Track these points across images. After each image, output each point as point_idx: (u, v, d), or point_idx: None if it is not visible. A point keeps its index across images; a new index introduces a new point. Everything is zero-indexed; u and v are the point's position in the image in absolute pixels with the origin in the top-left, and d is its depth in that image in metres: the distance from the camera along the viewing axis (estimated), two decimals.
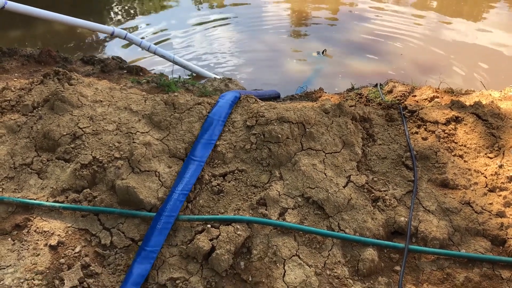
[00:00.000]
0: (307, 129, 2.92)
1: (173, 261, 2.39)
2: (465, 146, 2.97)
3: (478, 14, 7.34)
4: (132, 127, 2.97)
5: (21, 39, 6.10)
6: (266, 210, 2.55)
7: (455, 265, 2.41)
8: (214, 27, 6.75)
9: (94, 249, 2.45)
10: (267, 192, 2.61)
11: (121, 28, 4.81)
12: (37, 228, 2.53)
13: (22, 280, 2.29)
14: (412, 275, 2.39)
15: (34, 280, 2.30)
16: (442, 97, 3.90)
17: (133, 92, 3.39)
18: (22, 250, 2.44)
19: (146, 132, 2.95)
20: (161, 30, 6.63)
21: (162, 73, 4.70)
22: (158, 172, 2.73)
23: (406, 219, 2.54)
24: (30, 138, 2.98)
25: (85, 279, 2.30)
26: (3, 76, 4.09)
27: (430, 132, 3.08)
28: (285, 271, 2.31)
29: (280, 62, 5.76)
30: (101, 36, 6.34)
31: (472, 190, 2.73)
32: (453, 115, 3.14)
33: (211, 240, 2.39)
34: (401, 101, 4.04)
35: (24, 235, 2.51)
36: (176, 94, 3.22)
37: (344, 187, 2.69)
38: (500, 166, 2.77)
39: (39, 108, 3.15)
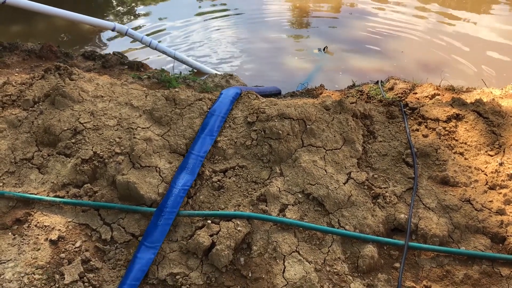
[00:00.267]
0: (307, 126, 2.92)
1: (173, 256, 2.39)
2: (465, 143, 2.97)
3: (480, 11, 7.32)
4: (133, 122, 2.97)
5: (22, 34, 6.09)
6: (266, 206, 2.55)
7: (454, 262, 2.41)
8: (214, 24, 6.73)
9: (94, 244, 2.46)
10: (268, 188, 2.61)
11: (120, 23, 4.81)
12: (38, 222, 2.54)
13: (22, 275, 2.30)
14: (411, 272, 2.39)
15: (34, 274, 2.30)
16: (443, 95, 3.90)
17: (134, 88, 3.39)
18: (22, 244, 2.45)
19: (147, 128, 2.95)
20: (160, 30, 6.61)
21: (163, 68, 4.70)
22: (159, 168, 2.73)
23: (406, 216, 2.55)
24: (31, 133, 2.98)
25: (86, 273, 2.31)
26: (4, 71, 4.09)
27: (431, 130, 3.08)
28: (285, 267, 2.32)
29: (281, 58, 5.75)
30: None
31: (473, 187, 2.73)
32: (454, 112, 3.14)
33: (211, 235, 2.40)
34: (402, 98, 4.04)
35: (25, 229, 2.52)
36: (177, 89, 3.22)
37: (344, 183, 2.69)
38: (501, 164, 2.77)
39: (40, 103, 3.15)
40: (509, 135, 2.96)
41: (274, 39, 6.29)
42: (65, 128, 2.92)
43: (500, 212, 2.58)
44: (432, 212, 2.60)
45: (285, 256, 2.36)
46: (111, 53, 5.02)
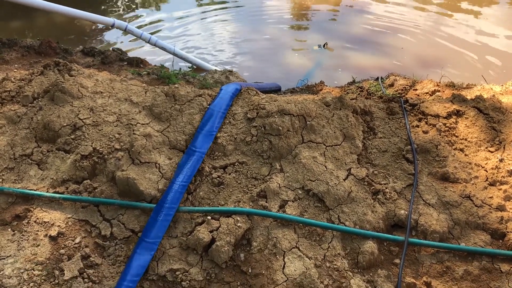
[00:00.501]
0: (308, 122, 2.91)
1: (173, 252, 2.39)
2: (466, 139, 2.97)
3: (481, 6, 7.30)
4: (132, 118, 2.97)
5: (21, 30, 6.08)
6: (266, 202, 2.55)
7: (454, 258, 2.41)
8: (214, 21, 6.72)
9: (94, 240, 2.45)
10: (268, 184, 2.61)
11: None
12: (37, 218, 2.54)
13: (22, 271, 2.30)
14: (411, 268, 2.39)
15: (34, 270, 2.30)
16: (443, 91, 3.90)
17: (133, 84, 3.38)
18: (22, 240, 2.44)
19: (147, 124, 2.94)
20: (158, 20, 6.60)
21: (163, 65, 4.69)
22: (159, 164, 2.73)
23: (406, 212, 2.55)
24: (30, 129, 2.97)
25: (85, 269, 2.30)
26: (3, 67, 4.08)
27: (431, 126, 3.08)
28: (285, 263, 2.32)
29: (281, 54, 5.74)
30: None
31: (473, 183, 2.73)
32: (454, 108, 3.13)
33: (211, 231, 2.40)
34: (402, 94, 4.03)
35: (24, 225, 2.51)
36: (176, 85, 3.21)
37: (344, 180, 2.69)
38: (501, 160, 2.77)
39: (39, 99, 3.14)
40: (509, 132, 2.95)
41: (274, 35, 6.28)
42: (65, 124, 2.91)
43: (500, 208, 2.58)
44: (432, 208, 2.59)
45: (285, 252, 2.36)
46: (111, 49, 5.01)
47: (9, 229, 2.50)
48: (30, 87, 3.21)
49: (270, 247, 2.38)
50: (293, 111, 2.89)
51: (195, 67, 5.05)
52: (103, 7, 7.16)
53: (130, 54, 5.05)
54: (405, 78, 4.37)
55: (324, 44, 5.82)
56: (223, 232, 2.37)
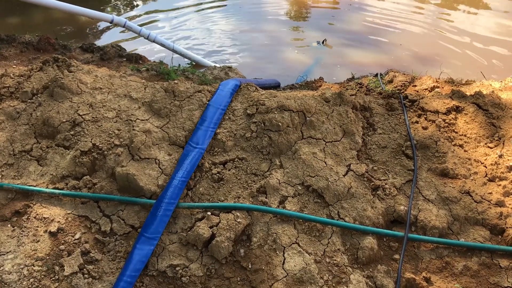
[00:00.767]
0: (307, 118, 2.91)
1: (173, 248, 2.39)
2: (465, 135, 2.97)
3: (479, 3, 7.30)
4: (132, 114, 2.96)
5: (20, 26, 6.05)
6: (266, 198, 2.55)
7: (454, 254, 2.42)
8: (211, 16, 6.71)
9: (94, 236, 2.45)
10: (267, 180, 2.61)
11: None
12: (37, 214, 2.53)
13: (22, 266, 2.30)
14: (411, 264, 2.40)
15: (34, 266, 2.30)
16: (443, 87, 3.90)
17: (132, 80, 3.37)
18: (22, 236, 2.44)
19: (146, 120, 2.94)
20: (154, 20, 6.59)
21: (162, 61, 4.68)
22: (158, 160, 2.73)
23: (405, 208, 2.55)
24: (29, 125, 2.97)
25: (85, 265, 2.30)
26: (1, 63, 4.07)
27: (431, 122, 3.08)
28: (284, 259, 2.32)
29: (280, 51, 5.74)
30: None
31: (472, 179, 2.73)
32: (453, 104, 3.13)
33: (211, 227, 2.40)
34: (402, 90, 4.04)
35: (24, 221, 2.51)
36: (176, 81, 3.21)
37: (344, 175, 2.69)
38: (500, 156, 2.77)
39: (38, 95, 3.13)
40: (508, 127, 2.96)
41: (273, 31, 6.27)
42: (64, 120, 2.91)
43: (500, 204, 2.59)
44: (432, 204, 2.60)
45: (285, 247, 2.36)
46: (110, 45, 4.99)
47: (9, 225, 2.50)
48: (29, 83, 3.20)
49: (270, 242, 2.38)
50: (293, 107, 2.89)
51: (194, 63, 5.05)
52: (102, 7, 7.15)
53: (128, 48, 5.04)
54: (404, 74, 4.37)
55: (323, 41, 5.82)
56: (223, 228, 2.37)
